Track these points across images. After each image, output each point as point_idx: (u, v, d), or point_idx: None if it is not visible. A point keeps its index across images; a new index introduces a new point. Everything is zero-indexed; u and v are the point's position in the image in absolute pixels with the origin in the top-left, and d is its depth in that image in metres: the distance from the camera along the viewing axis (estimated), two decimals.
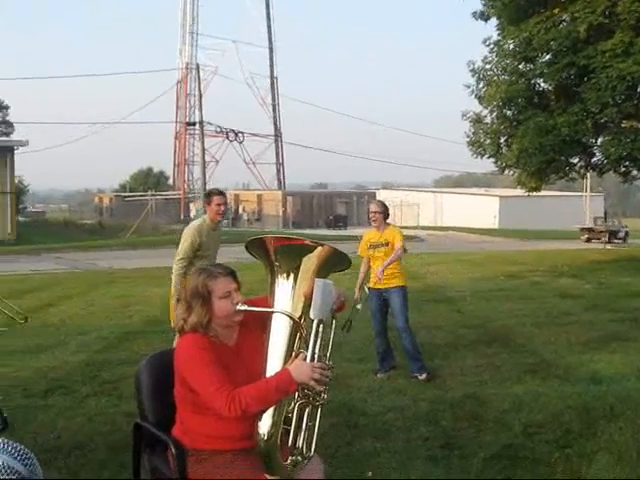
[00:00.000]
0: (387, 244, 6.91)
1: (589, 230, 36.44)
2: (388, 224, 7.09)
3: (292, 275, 2.91)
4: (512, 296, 13.03)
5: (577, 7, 15.12)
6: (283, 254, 2.94)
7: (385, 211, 7.02)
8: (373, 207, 7.06)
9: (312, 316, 2.78)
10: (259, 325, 3.01)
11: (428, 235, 40.31)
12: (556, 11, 15.86)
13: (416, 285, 10.31)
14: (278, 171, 64.33)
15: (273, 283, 2.95)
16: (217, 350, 2.91)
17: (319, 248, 2.90)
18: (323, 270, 2.91)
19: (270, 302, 2.96)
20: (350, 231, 45.91)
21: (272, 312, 2.91)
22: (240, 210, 53.87)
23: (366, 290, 7.06)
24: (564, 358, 7.59)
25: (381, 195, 61.13)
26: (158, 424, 3.17)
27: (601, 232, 35.13)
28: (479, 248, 27.69)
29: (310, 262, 2.89)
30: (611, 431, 5.07)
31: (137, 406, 3.28)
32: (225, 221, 50.20)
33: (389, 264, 6.75)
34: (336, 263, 3.00)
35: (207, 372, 2.82)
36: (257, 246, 3.00)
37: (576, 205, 53.90)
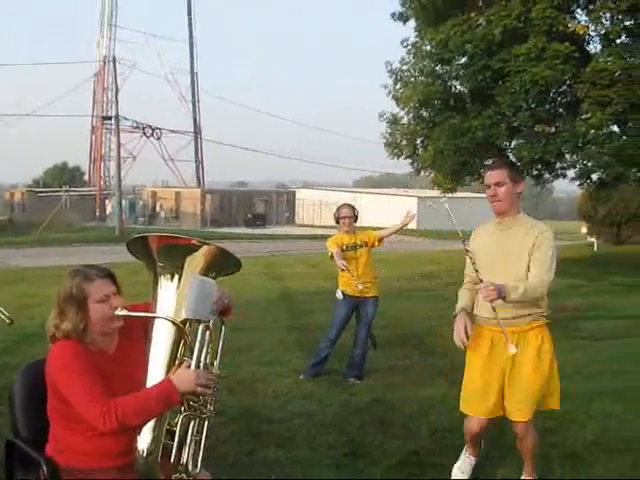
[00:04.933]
0: (365, 244, 6.73)
1: None
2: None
3: (176, 277, 2.69)
4: (427, 297, 13.06)
5: (493, 10, 15.31)
6: (167, 254, 2.71)
7: (356, 215, 6.84)
8: (346, 211, 6.78)
9: (185, 314, 2.57)
10: (140, 331, 2.78)
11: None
12: (473, 14, 15.98)
13: (328, 285, 10.18)
14: (197, 168, 63.52)
15: (156, 285, 2.72)
16: (93, 358, 2.67)
17: (205, 248, 2.68)
18: (209, 272, 2.70)
19: (152, 306, 2.73)
20: (269, 230, 45.77)
21: (154, 317, 2.69)
22: (157, 208, 52.93)
23: (338, 295, 6.73)
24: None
25: (301, 194, 61.16)
26: (32, 441, 2.89)
27: None
28: (396, 248, 27.87)
29: (195, 263, 2.68)
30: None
31: (10, 421, 2.99)
32: (141, 218, 49.35)
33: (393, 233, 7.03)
34: (224, 265, 2.79)
35: (81, 382, 2.57)
36: (139, 245, 2.76)
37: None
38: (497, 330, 3.86)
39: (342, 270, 6.50)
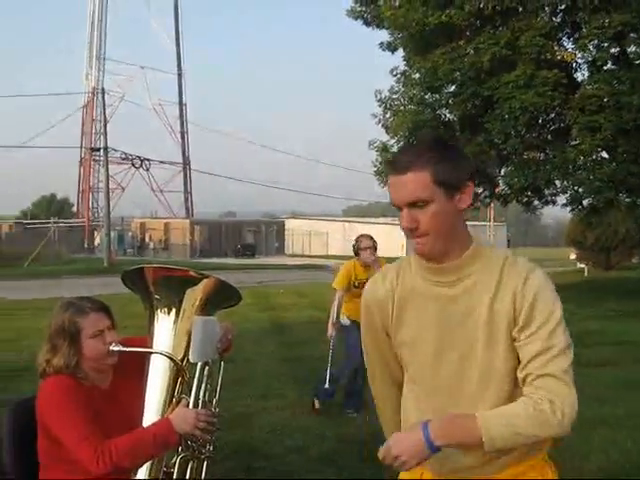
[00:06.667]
0: None
1: None
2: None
3: (174, 310, 2.56)
4: None
5: (481, 39, 15.43)
6: (164, 286, 2.59)
7: (375, 246, 6.58)
8: (367, 242, 6.51)
9: (191, 359, 2.45)
10: (136, 367, 2.65)
11: (337, 264, 40.31)
12: (461, 43, 16.12)
13: (320, 315, 10.06)
14: (186, 199, 63.49)
15: (152, 319, 2.60)
16: (86, 394, 2.53)
17: (205, 280, 2.57)
18: (209, 305, 2.58)
19: (149, 341, 2.61)
20: (259, 260, 45.59)
21: (150, 353, 2.57)
22: (146, 239, 52.74)
23: (344, 321, 6.57)
24: None
25: (290, 224, 61.14)
26: None
27: None
28: None
29: (194, 296, 2.56)
30: None
31: None
32: (130, 250, 49.13)
33: None
34: (224, 297, 2.67)
35: (73, 420, 2.43)
36: (134, 277, 2.64)
37: (480, 234, 55.24)
38: None
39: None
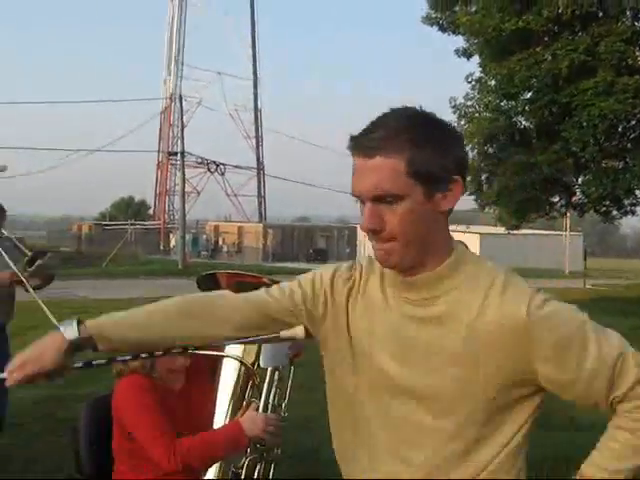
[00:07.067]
0: None
1: None
2: None
3: None
4: None
5: (559, 45, 15.18)
6: (237, 292, 2.66)
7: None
8: None
9: (262, 365, 2.51)
10: (207, 369, 2.73)
11: None
12: (538, 49, 15.88)
13: None
14: (260, 204, 64.18)
15: None
16: (160, 394, 2.63)
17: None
18: None
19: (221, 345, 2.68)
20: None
21: (222, 356, 2.64)
22: (220, 242, 53.53)
23: None
24: (545, 405, 7.30)
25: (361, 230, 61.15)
26: (96, 479, 2.85)
27: None
28: None
29: None
30: None
31: (74, 457, 2.96)
32: (204, 252, 49.95)
33: None
34: None
35: (147, 419, 2.54)
36: (209, 282, 2.72)
37: (556, 243, 54.14)
38: None
39: None
